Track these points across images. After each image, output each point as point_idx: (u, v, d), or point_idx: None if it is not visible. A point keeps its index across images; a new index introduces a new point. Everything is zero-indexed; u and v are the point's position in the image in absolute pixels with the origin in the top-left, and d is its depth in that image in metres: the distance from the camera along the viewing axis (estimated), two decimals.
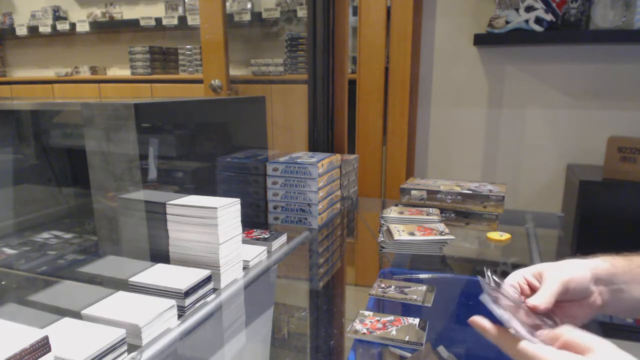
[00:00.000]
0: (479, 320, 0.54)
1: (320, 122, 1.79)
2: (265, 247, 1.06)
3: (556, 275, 0.58)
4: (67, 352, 0.58)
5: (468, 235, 1.32)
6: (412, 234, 1.15)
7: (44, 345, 0.51)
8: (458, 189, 1.43)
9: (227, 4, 2.88)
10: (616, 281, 0.62)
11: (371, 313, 0.84)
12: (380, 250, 1.17)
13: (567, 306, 0.61)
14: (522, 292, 0.60)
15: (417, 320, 0.81)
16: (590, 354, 0.45)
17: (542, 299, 0.55)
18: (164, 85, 3.31)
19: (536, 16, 1.95)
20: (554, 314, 0.58)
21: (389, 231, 1.19)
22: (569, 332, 0.47)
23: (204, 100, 1.36)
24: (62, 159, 1.36)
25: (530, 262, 1.07)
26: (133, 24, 3.39)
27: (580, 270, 0.60)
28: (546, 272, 0.60)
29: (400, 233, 1.15)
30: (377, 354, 0.77)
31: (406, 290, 0.94)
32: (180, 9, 3.32)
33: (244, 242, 0.96)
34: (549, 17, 1.95)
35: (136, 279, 0.79)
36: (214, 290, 0.85)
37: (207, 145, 1.27)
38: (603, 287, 0.62)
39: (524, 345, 0.48)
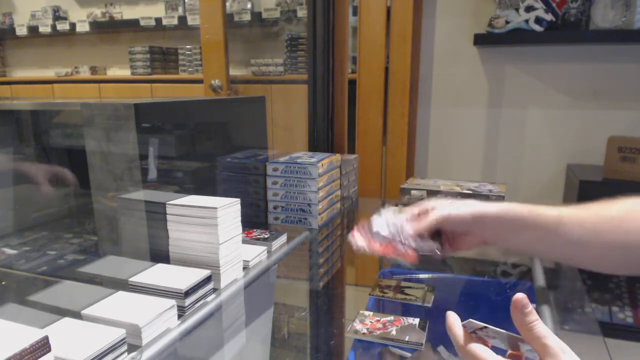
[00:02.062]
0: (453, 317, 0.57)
1: (320, 122, 1.79)
2: (265, 247, 1.06)
3: (436, 212, 0.74)
4: (67, 352, 0.58)
5: None
6: None
7: (44, 345, 0.51)
8: (458, 189, 1.43)
9: (227, 4, 2.88)
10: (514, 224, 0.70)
11: (371, 313, 0.84)
12: None
13: (453, 236, 0.76)
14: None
15: (417, 320, 0.81)
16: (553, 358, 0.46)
17: (417, 227, 0.75)
18: (164, 85, 3.31)
19: (536, 16, 1.96)
20: (440, 240, 0.76)
21: None
22: (551, 336, 0.48)
23: (204, 100, 1.36)
24: (62, 159, 1.36)
25: (530, 262, 1.07)
26: (133, 24, 3.39)
27: (461, 210, 0.72)
28: (434, 209, 0.75)
29: None
30: (377, 354, 0.77)
31: (406, 290, 0.94)
32: (180, 9, 3.32)
33: (244, 242, 0.96)
34: (549, 17, 1.96)
35: (136, 279, 0.79)
36: (214, 290, 0.85)
37: (207, 145, 1.27)
38: (490, 227, 0.71)
39: (474, 347, 0.50)
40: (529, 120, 2.20)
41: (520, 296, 0.49)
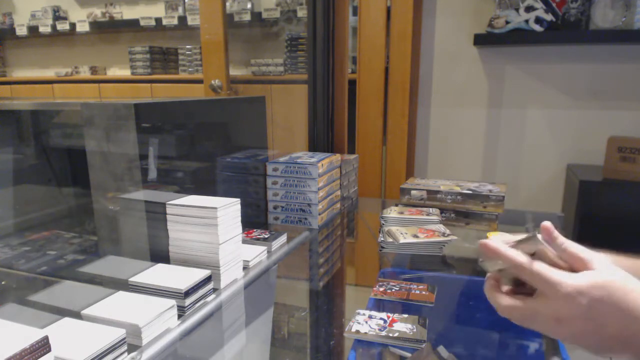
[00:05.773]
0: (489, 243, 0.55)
1: (320, 122, 1.79)
2: (265, 247, 1.06)
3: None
4: (67, 352, 0.58)
5: (468, 235, 1.32)
6: (415, 236, 1.15)
7: (44, 345, 0.51)
8: (458, 189, 1.43)
9: (227, 4, 2.88)
10: None
11: (368, 312, 0.84)
12: (380, 250, 1.17)
13: None
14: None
15: (416, 318, 0.81)
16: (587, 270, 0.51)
17: None
18: (164, 85, 3.31)
19: (536, 16, 1.96)
20: None
21: (392, 234, 1.19)
22: (572, 246, 0.54)
23: (204, 100, 1.36)
24: (62, 159, 1.36)
25: None
26: (133, 24, 3.39)
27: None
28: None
29: (405, 236, 1.14)
30: (377, 354, 0.77)
31: (407, 290, 0.94)
32: (180, 9, 3.32)
33: (244, 242, 0.96)
34: (549, 17, 1.96)
35: (136, 279, 0.79)
36: (214, 290, 0.85)
37: (207, 145, 1.27)
38: None
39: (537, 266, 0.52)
40: (529, 120, 2.20)
41: (546, 224, 0.54)
